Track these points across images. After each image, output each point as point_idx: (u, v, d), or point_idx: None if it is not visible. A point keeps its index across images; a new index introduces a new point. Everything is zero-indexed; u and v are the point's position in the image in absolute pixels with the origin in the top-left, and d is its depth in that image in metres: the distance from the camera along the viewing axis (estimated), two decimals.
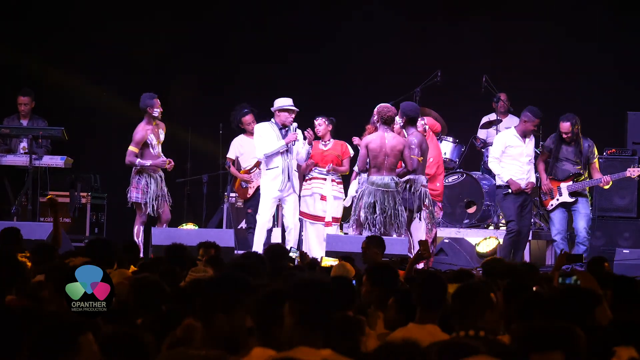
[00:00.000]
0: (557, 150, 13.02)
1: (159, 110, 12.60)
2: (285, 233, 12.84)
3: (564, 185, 12.99)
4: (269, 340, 4.48)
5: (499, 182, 13.20)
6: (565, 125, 12.95)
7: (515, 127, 13.20)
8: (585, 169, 13.02)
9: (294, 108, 12.66)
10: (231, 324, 4.62)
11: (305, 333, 4.57)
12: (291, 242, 12.62)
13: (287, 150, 12.64)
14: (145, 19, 16.46)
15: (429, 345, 4.41)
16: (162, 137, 12.74)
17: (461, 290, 5.24)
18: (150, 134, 12.59)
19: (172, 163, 12.75)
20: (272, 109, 12.75)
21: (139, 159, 12.49)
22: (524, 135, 13.04)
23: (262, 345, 4.51)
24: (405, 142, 11.94)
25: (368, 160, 11.92)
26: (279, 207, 13.15)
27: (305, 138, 12.71)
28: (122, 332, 4.47)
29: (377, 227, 11.73)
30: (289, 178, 12.63)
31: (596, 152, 13.11)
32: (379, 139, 11.93)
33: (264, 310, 4.52)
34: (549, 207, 13.10)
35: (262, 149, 12.63)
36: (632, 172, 13.05)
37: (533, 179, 13.12)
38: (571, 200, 13.00)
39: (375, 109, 12.19)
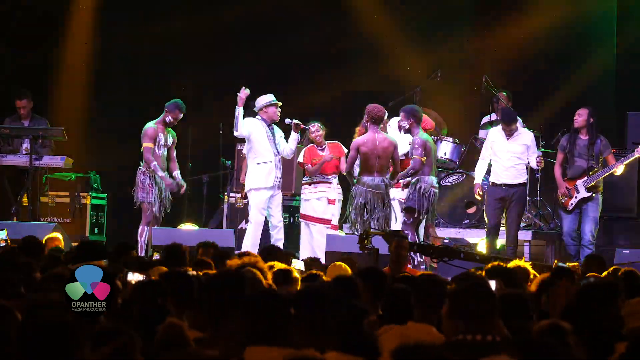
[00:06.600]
0: (572, 147, 12.93)
1: (172, 120, 12.63)
2: (272, 231, 12.82)
3: (579, 182, 12.88)
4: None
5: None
6: (582, 111, 12.84)
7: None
8: (598, 164, 12.90)
9: (278, 102, 12.69)
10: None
11: (312, 338, 4.62)
12: (282, 240, 12.64)
13: (275, 143, 12.67)
14: (145, 19, 16.47)
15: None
16: (169, 142, 12.75)
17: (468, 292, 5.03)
18: (160, 133, 12.62)
19: (184, 188, 12.87)
20: (256, 108, 12.76)
21: (154, 162, 12.49)
22: (506, 131, 12.91)
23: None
24: (395, 144, 11.96)
25: (359, 162, 11.93)
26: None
27: (297, 128, 12.73)
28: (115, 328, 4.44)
29: (370, 226, 11.73)
30: (279, 174, 12.70)
31: (610, 147, 12.97)
32: (371, 141, 11.90)
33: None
34: (569, 207, 12.88)
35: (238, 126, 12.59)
36: None
37: (522, 179, 12.91)
38: (588, 194, 12.86)
39: (366, 109, 12.17)
